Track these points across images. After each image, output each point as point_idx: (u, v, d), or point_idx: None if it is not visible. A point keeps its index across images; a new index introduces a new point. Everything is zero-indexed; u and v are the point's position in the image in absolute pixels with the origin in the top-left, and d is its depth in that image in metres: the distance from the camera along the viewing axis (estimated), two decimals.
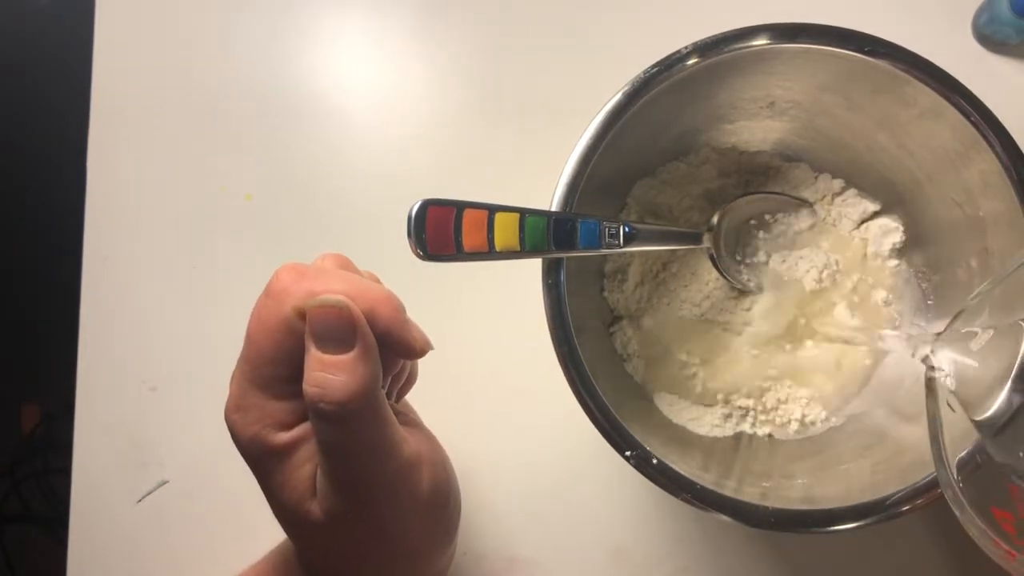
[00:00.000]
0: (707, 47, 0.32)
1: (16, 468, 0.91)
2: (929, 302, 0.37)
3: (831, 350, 0.37)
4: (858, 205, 0.38)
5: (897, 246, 0.37)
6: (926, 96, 0.31)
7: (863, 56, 0.31)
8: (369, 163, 0.45)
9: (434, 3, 0.47)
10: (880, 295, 0.38)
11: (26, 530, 0.91)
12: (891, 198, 0.38)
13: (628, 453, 0.30)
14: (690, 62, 0.32)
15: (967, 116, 0.30)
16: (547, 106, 0.44)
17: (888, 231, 0.38)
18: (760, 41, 0.31)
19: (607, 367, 0.37)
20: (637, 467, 0.30)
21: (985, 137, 0.30)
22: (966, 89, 0.30)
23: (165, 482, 0.43)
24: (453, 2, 0.46)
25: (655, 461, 0.30)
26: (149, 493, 0.42)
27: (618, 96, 0.32)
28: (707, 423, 0.37)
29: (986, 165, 0.30)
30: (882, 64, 0.31)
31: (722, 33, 0.32)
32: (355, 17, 0.47)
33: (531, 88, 0.45)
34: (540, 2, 0.46)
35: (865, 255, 0.38)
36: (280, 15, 0.47)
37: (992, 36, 0.42)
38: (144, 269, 0.45)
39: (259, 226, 0.45)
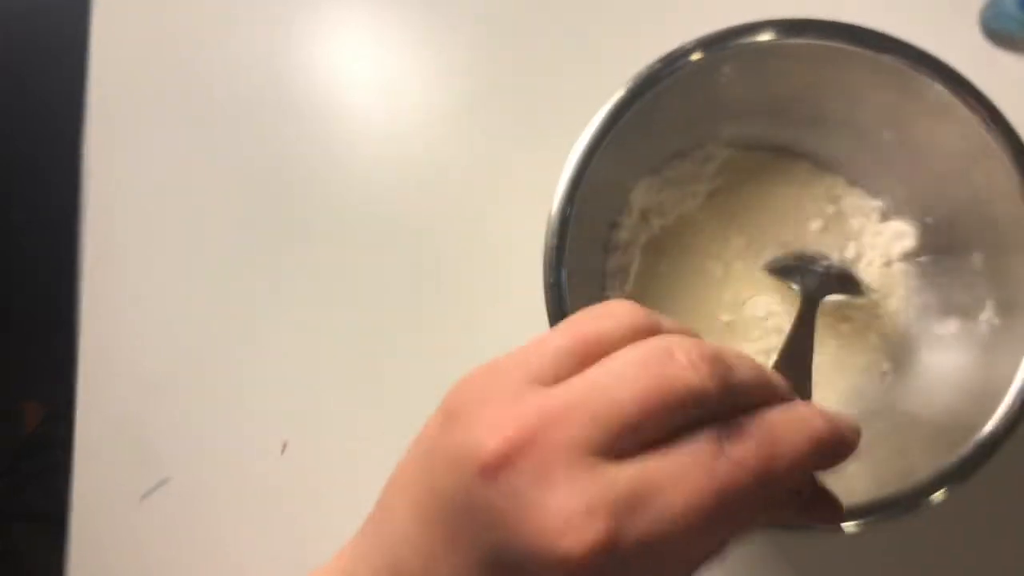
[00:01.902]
0: (711, 42, 0.31)
1: (17, 467, 0.91)
2: (934, 302, 0.36)
3: (838, 355, 0.37)
4: (864, 205, 0.38)
5: (907, 250, 0.37)
6: (934, 93, 0.31)
7: (870, 52, 0.31)
8: (370, 162, 0.45)
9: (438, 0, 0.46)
10: (888, 300, 0.37)
11: (27, 528, 0.92)
12: (898, 197, 0.37)
13: None
14: (694, 57, 0.31)
15: (976, 113, 0.30)
16: (550, 102, 0.44)
17: (901, 235, 0.37)
18: (765, 36, 0.31)
19: None
20: None
21: (993, 137, 0.30)
22: (974, 87, 0.30)
23: (166, 480, 0.43)
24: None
25: None
26: (150, 492, 0.42)
27: (621, 93, 0.31)
28: None
29: (993, 164, 0.30)
30: (889, 61, 0.31)
31: (727, 28, 0.31)
32: (355, 14, 0.47)
33: (533, 84, 0.45)
34: (548, 3, 0.46)
35: (873, 261, 0.38)
36: (279, 12, 0.47)
37: (999, 31, 0.42)
38: (145, 267, 0.45)
39: (260, 225, 0.45)
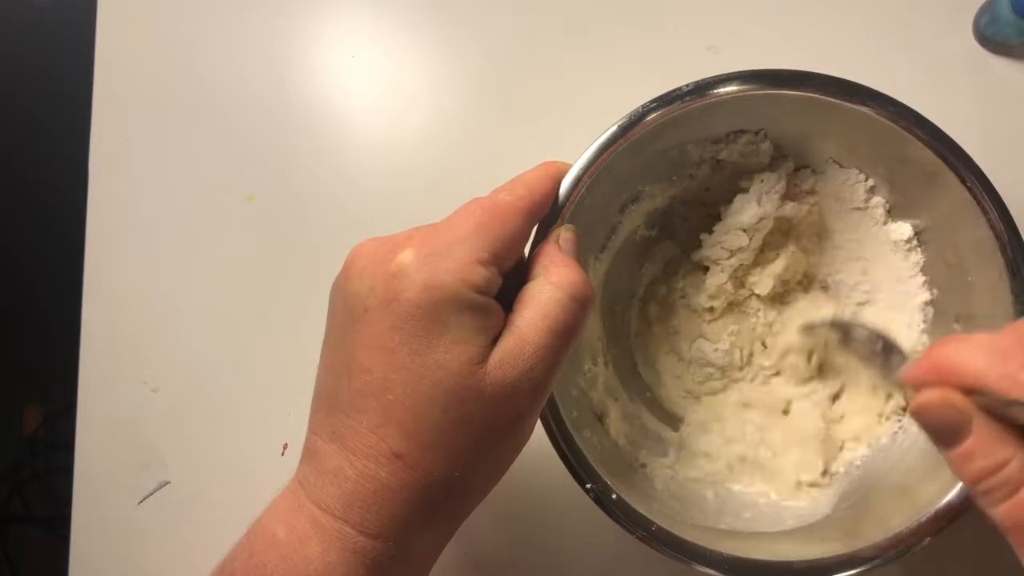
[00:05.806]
0: (707, 86, 0.31)
1: (18, 469, 0.91)
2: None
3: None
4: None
5: (926, 301, 0.36)
6: (926, 156, 0.31)
7: (865, 109, 0.31)
8: (370, 164, 0.45)
9: (438, 5, 0.47)
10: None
11: (28, 531, 0.92)
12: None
13: (588, 486, 0.30)
14: (687, 101, 0.31)
15: (964, 181, 0.30)
16: (554, 113, 0.44)
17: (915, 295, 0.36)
18: (759, 87, 0.31)
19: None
20: (596, 501, 0.30)
21: (981, 204, 0.30)
22: (965, 154, 0.30)
23: (167, 483, 0.43)
24: (456, 4, 0.46)
25: (614, 496, 0.30)
26: (151, 494, 0.43)
27: (613, 128, 0.31)
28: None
29: (980, 232, 0.30)
30: (884, 120, 0.31)
31: (725, 74, 0.31)
32: (358, 18, 0.47)
33: (540, 95, 0.45)
34: (547, 7, 0.46)
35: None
36: (283, 15, 0.47)
37: (993, 37, 0.42)
38: (146, 270, 0.45)
39: (261, 227, 0.45)
